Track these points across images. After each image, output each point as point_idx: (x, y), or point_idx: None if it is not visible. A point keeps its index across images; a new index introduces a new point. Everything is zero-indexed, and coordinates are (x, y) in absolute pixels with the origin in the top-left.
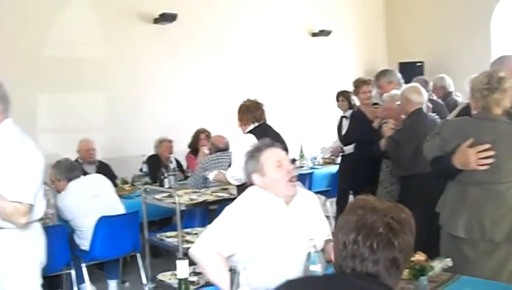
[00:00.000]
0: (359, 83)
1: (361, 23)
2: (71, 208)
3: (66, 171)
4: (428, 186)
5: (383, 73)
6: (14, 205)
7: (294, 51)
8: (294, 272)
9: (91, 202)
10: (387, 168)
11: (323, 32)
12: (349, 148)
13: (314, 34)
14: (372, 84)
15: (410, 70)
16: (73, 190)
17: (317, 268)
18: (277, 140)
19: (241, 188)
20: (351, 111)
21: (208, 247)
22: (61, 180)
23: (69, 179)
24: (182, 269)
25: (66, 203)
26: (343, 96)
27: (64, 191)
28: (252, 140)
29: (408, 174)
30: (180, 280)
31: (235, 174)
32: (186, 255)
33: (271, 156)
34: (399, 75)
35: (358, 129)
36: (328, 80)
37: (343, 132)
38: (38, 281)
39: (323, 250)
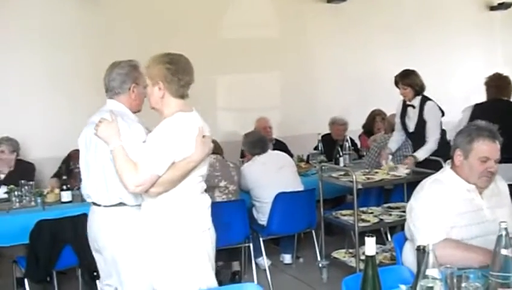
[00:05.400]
0: None
1: None
2: (254, 177)
3: (248, 146)
4: None
5: None
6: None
7: (469, 27)
8: None
9: (273, 175)
10: None
11: (503, 5)
12: None
13: (492, 8)
14: None
15: None
16: (258, 162)
17: (508, 252)
18: None
19: None
20: (419, 98)
21: (437, 239)
22: (245, 151)
23: (252, 154)
24: (370, 246)
25: (250, 171)
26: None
27: (251, 161)
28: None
29: None
30: (367, 257)
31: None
32: (361, 233)
33: (483, 149)
34: None
35: None
36: (507, 57)
37: (410, 122)
38: None
39: None
